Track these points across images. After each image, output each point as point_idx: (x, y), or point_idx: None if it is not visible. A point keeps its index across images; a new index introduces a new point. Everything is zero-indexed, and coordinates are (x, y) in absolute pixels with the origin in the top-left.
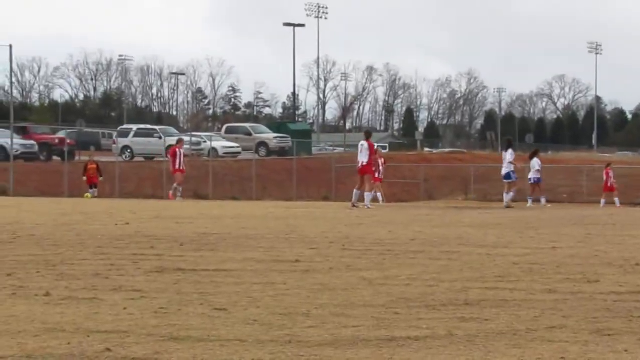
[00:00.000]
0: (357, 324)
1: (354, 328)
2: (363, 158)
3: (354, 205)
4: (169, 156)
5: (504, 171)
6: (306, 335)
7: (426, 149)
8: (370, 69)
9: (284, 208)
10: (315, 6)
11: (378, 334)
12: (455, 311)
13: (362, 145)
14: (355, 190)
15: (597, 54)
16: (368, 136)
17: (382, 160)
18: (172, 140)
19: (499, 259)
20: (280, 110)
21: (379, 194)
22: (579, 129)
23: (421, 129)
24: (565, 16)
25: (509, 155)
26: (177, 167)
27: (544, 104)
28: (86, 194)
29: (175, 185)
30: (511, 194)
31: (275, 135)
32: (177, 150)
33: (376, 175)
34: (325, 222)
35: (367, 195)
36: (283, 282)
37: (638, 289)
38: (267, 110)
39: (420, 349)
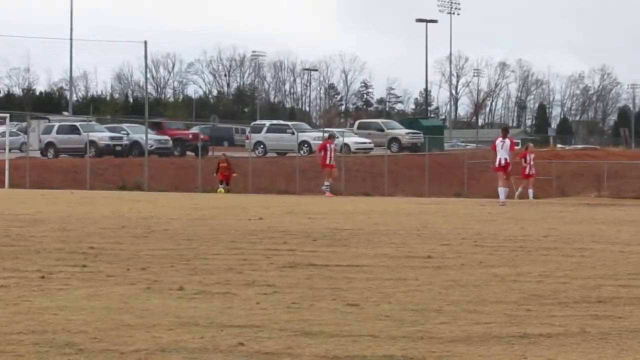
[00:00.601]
0: (489, 320)
1: (485, 324)
2: (505, 154)
3: (502, 204)
4: (318, 151)
5: None
6: (438, 331)
7: (559, 145)
8: (503, 65)
9: (415, 204)
10: (448, 2)
11: (510, 330)
12: (588, 308)
13: (502, 141)
14: (502, 188)
15: None
16: (506, 132)
17: (532, 155)
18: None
19: (633, 257)
20: (412, 106)
21: (530, 190)
22: None
23: (554, 125)
24: None
25: None
26: (326, 162)
27: None
28: (218, 189)
29: (326, 182)
30: None
31: (408, 131)
32: (328, 145)
33: (527, 172)
34: (457, 219)
35: (502, 191)
36: (415, 278)
37: None
38: (399, 106)
39: (553, 346)
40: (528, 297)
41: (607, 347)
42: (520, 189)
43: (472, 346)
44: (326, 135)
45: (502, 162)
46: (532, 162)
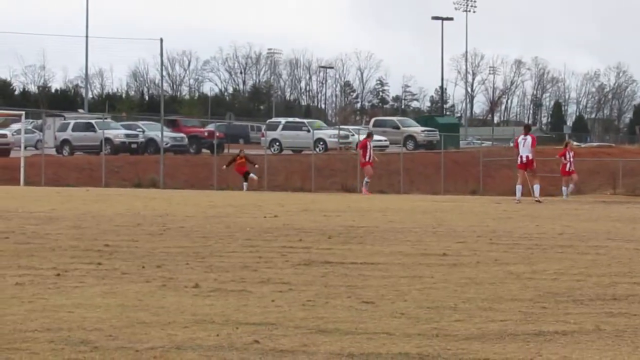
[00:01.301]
0: (504, 318)
1: (501, 322)
2: (526, 152)
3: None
4: (359, 149)
5: None
6: (453, 328)
7: (574, 143)
8: (518, 63)
9: (431, 202)
10: None
11: (525, 328)
12: (603, 306)
13: (524, 139)
14: (520, 185)
15: None
16: (528, 130)
17: (572, 153)
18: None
19: None
20: (427, 103)
21: (570, 186)
22: None
23: (569, 122)
24: None
25: None
26: (367, 159)
27: None
28: (251, 176)
29: (366, 179)
30: None
31: (423, 128)
32: (368, 143)
33: (567, 169)
34: (473, 216)
35: (537, 188)
36: (430, 275)
37: None
38: (414, 104)
39: (568, 343)
40: (543, 295)
41: (622, 344)
42: (571, 186)
43: (487, 344)
44: (365, 134)
45: (524, 159)
46: (572, 160)
